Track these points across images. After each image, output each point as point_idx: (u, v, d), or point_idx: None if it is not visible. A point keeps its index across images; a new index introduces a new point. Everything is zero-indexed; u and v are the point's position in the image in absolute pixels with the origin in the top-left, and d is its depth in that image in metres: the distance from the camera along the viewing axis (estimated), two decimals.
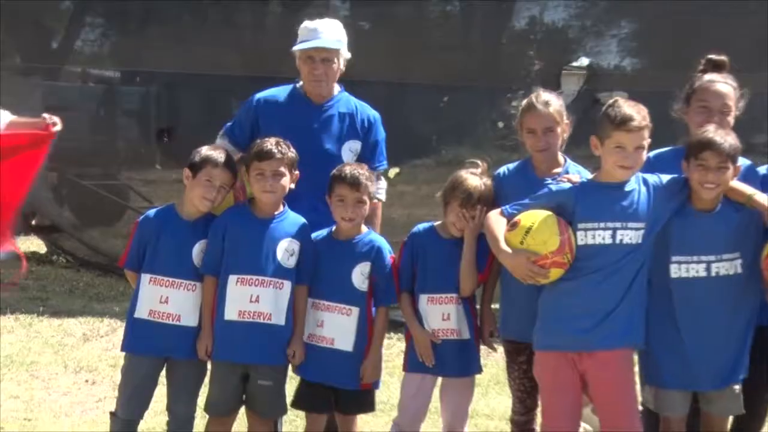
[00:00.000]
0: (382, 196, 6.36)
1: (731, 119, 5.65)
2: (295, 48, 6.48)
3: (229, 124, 6.64)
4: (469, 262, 5.80)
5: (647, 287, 5.38)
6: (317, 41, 6.40)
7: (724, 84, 5.76)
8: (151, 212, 6.07)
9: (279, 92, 6.62)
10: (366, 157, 6.31)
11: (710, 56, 6.00)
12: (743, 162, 5.48)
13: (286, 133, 6.07)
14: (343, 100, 6.54)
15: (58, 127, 6.30)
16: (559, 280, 5.31)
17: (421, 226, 6.10)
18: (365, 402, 6.06)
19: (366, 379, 5.88)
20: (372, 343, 5.92)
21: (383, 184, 6.36)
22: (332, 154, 6.26)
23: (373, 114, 6.53)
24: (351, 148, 6.32)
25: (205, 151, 5.96)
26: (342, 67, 6.49)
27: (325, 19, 6.66)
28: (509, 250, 5.32)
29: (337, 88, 6.56)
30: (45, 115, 6.35)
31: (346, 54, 6.53)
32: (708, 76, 5.83)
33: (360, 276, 5.93)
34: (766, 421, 6.03)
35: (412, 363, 5.99)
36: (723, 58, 5.97)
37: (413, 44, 14.13)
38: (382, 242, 6.02)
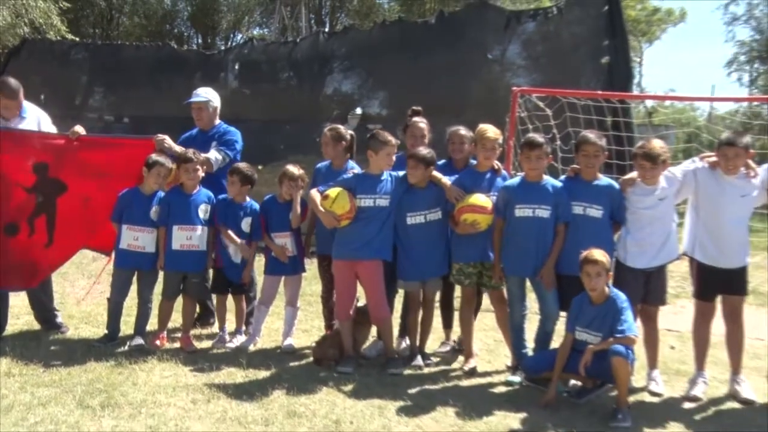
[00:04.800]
0: (215, 165, 6.10)
1: (426, 141, 5.65)
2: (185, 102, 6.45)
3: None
4: (296, 210, 5.76)
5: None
6: (193, 99, 6.36)
7: (421, 123, 5.76)
8: (125, 190, 5.82)
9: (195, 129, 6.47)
10: (221, 147, 6.17)
11: (413, 107, 5.97)
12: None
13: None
14: (218, 127, 6.37)
15: (166, 144, 6.04)
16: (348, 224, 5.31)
17: (267, 197, 5.98)
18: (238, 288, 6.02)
19: (244, 279, 5.92)
20: (247, 266, 5.94)
21: (220, 157, 6.12)
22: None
23: (229, 129, 6.35)
24: (213, 146, 6.15)
25: (155, 156, 5.82)
26: (213, 110, 6.34)
27: (202, 87, 6.56)
28: (323, 210, 5.28)
29: (216, 122, 6.39)
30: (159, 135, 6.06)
31: (214, 104, 6.36)
32: (414, 118, 5.83)
33: (246, 224, 5.87)
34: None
35: (268, 270, 5.93)
36: (419, 108, 5.93)
37: (272, 99, 14.05)
38: (256, 206, 5.94)
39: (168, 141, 6.04)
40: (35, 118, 6.11)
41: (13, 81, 5.98)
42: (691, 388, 4.99)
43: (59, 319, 6.26)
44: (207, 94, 6.37)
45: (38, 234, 5.93)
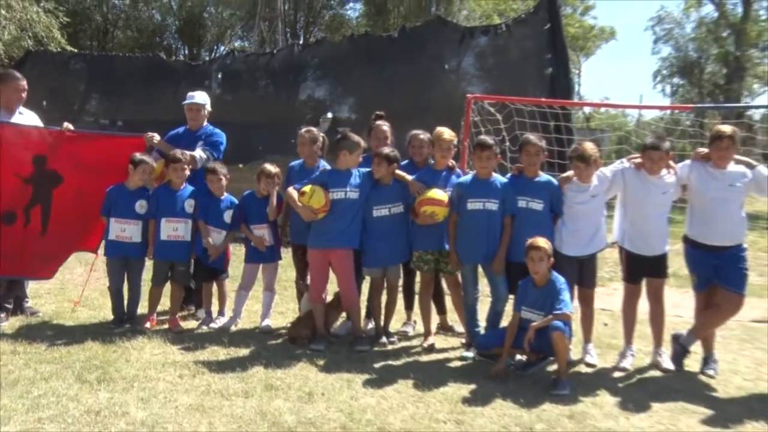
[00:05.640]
0: (200, 164, 6.00)
1: (389, 143, 5.64)
2: (183, 103, 6.29)
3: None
4: (272, 204, 5.72)
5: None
6: (190, 100, 6.24)
7: (384, 126, 5.76)
8: (112, 186, 5.73)
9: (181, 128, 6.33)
10: (207, 147, 6.08)
11: (377, 112, 5.96)
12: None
13: (180, 148, 5.94)
14: (205, 128, 6.26)
15: (155, 141, 5.96)
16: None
17: (246, 192, 5.92)
18: (212, 274, 5.94)
19: (213, 255, 5.80)
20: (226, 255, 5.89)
21: (204, 156, 6.03)
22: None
23: (215, 131, 6.24)
24: (199, 146, 6.06)
25: (139, 156, 5.75)
26: (206, 113, 6.27)
27: (197, 91, 6.46)
28: (301, 205, 5.23)
29: (204, 122, 6.27)
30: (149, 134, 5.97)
31: (208, 108, 6.29)
32: (377, 122, 5.82)
33: (228, 214, 5.82)
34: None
35: (248, 258, 5.90)
36: (382, 113, 5.93)
37: (252, 105, 13.93)
38: (235, 200, 5.90)
39: (157, 138, 5.98)
40: (32, 119, 6.03)
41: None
42: (621, 359, 5.09)
43: (28, 304, 6.14)
44: (204, 98, 6.29)
45: (33, 224, 5.80)
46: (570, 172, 5.11)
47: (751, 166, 4.92)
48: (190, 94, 6.32)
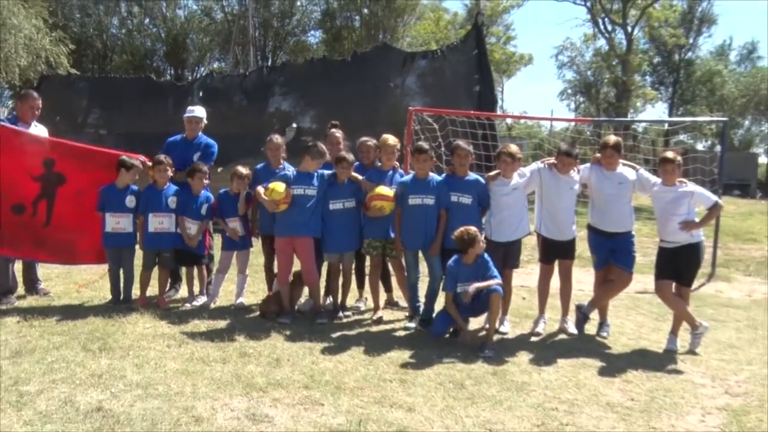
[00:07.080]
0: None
1: (342, 147, 5.58)
2: (184, 116, 6.04)
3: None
4: (242, 201, 5.63)
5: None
6: (191, 114, 6.00)
7: (337, 133, 5.69)
8: (104, 187, 5.56)
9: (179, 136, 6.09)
10: (202, 158, 5.86)
11: (332, 122, 5.91)
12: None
13: (177, 153, 5.82)
14: (200, 138, 6.02)
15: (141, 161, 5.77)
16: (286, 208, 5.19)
17: (222, 191, 5.78)
18: (194, 260, 5.81)
19: (189, 244, 5.66)
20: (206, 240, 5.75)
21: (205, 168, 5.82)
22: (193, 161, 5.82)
23: (209, 142, 6.01)
24: (195, 155, 5.87)
25: (129, 160, 5.62)
26: (202, 125, 6.03)
27: (197, 106, 6.25)
28: (266, 198, 5.15)
29: (199, 133, 6.03)
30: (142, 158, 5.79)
31: (205, 121, 6.06)
32: (332, 130, 5.77)
33: (204, 208, 5.69)
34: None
35: (224, 247, 5.79)
36: (337, 122, 5.86)
37: (228, 117, 13.60)
38: (210, 195, 5.77)
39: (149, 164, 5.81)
40: (42, 132, 5.96)
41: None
42: (535, 326, 5.20)
43: (41, 286, 6.03)
44: (202, 113, 6.07)
45: (39, 215, 5.66)
46: (496, 171, 5.17)
47: (635, 169, 5.10)
48: (190, 108, 6.09)
